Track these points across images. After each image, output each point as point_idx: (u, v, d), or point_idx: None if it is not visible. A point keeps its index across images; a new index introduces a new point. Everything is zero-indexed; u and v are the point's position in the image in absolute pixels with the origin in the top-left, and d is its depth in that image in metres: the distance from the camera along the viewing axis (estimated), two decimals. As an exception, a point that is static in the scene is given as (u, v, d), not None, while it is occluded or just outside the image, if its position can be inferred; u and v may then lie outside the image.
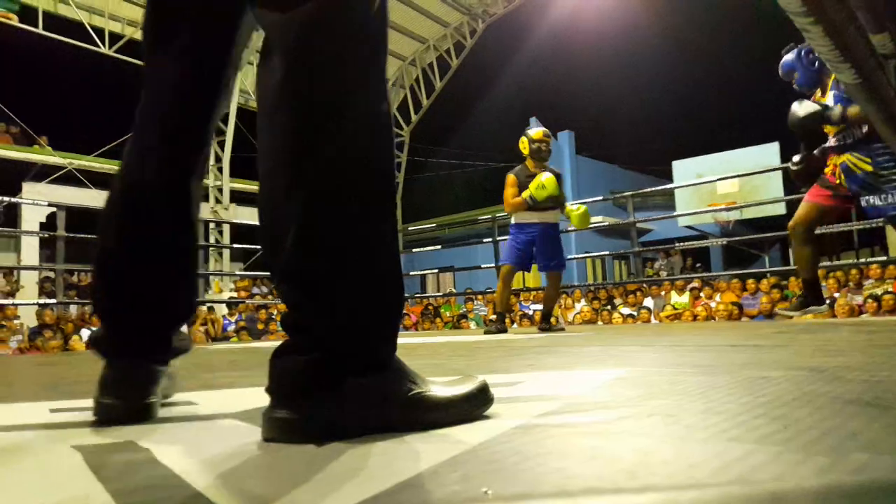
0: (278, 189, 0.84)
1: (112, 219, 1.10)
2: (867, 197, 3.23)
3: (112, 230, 1.09)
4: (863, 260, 9.33)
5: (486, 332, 4.66)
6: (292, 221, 0.82)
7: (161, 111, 1.07)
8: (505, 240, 7.18)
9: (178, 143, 1.08)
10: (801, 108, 3.30)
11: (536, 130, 4.75)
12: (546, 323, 4.72)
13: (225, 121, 11.19)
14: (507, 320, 5.31)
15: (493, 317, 4.94)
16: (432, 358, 2.31)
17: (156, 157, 1.07)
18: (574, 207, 4.63)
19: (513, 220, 4.71)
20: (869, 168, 3.16)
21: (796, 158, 3.46)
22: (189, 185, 1.10)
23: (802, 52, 3.31)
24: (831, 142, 3.33)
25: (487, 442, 0.74)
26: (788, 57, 3.39)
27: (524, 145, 4.70)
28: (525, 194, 4.45)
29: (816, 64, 3.25)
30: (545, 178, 4.36)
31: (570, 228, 5.38)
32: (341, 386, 0.82)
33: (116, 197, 1.10)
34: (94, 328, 6.94)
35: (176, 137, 1.08)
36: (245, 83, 11.56)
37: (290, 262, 0.84)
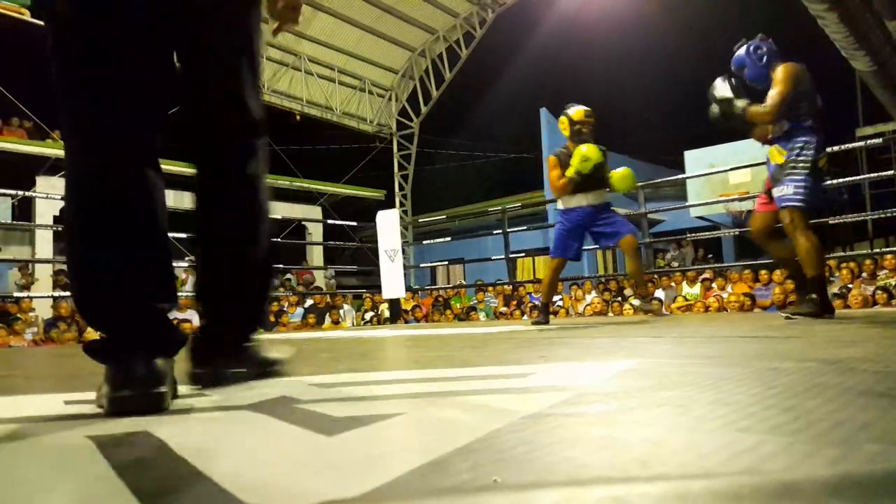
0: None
1: (80, 217, 1.15)
2: (773, 189, 3.21)
3: (84, 227, 1.14)
4: (877, 250, 9.24)
5: (533, 324, 4.44)
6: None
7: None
8: (514, 231, 7.18)
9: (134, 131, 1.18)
10: (718, 88, 3.28)
11: (577, 109, 4.34)
12: (645, 301, 4.41)
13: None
14: (550, 311, 5.08)
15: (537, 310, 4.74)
16: (441, 350, 2.32)
17: (113, 146, 1.15)
18: (618, 171, 4.35)
19: (559, 206, 4.42)
20: (781, 160, 3.16)
21: (740, 103, 3.27)
22: (146, 170, 1.20)
23: (752, 48, 3.27)
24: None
25: (498, 431, 0.74)
26: (739, 52, 3.33)
27: (564, 126, 4.38)
28: (569, 172, 4.15)
29: (764, 59, 3.22)
30: (585, 148, 4.08)
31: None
32: (237, 353, 1.41)
33: (78, 197, 1.16)
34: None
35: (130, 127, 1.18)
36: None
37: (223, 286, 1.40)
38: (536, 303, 8.48)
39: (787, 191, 3.13)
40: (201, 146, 1.35)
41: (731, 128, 3.44)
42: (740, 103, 3.20)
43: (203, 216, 1.36)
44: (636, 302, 4.41)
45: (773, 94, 3.11)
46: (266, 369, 1.48)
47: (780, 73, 3.14)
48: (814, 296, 3.14)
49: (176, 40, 1.25)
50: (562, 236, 4.34)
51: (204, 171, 1.36)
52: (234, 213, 1.36)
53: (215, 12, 1.27)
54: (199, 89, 1.30)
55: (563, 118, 4.37)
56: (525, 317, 7.93)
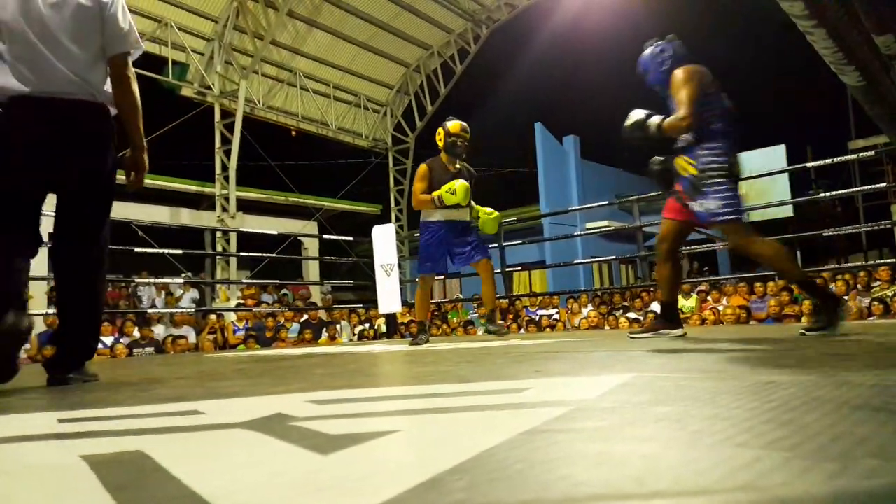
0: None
1: None
2: (692, 202, 2.93)
3: None
4: (871, 262, 9.28)
5: (410, 344, 4.25)
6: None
7: None
8: (510, 245, 7.18)
9: None
10: (630, 117, 3.04)
11: (454, 123, 4.29)
12: (493, 324, 4.29)
13: (231, 129, 11.24)
14: (432, 329, 4.87)
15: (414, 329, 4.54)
16: (438, 365, 2.31)
17: None
18: (489, 212, 4.28)
19: (421, 218, 4.30)
20: (694, 171, 2.90)
21: (657, 159, 3.12)
22: None
23: (656, 49, 3.07)
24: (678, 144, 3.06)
25: (493, 449, 0.74)
26: (644, 53, 3.13)
27: (440, 137, 4.29)
28: (435, 194, 4.08)
29: (667, 63, 3.00)
30: (458, 184, 4.03)
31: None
32: (77, 366, 2.26)
33: None
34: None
35: None
36: (250, 92, 11.61)
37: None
38: (532, 317, 8.49)
39: (712, 205, 2.85)
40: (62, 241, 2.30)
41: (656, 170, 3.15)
42: (654, 120, 2.94)
43: (59, 276, 2.32)
44: (491, 327, 4.24)
45: (681, 98, 2.84)
46: (87, 379, 2.24)
47: (678, 76, 2.89)
48: (820, 305, 2.82)
49: (50, 184, 2.22)
50: (424, 250, 4.25)
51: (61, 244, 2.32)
52: (78, 280, 2.29)
53: (71, 167, 2.20)
54: (62, 213, 2.27)
55: (440, 129, 4.33)
56: (522, 330, 7.91)
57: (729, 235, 2.93)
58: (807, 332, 2.78)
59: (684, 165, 2.94)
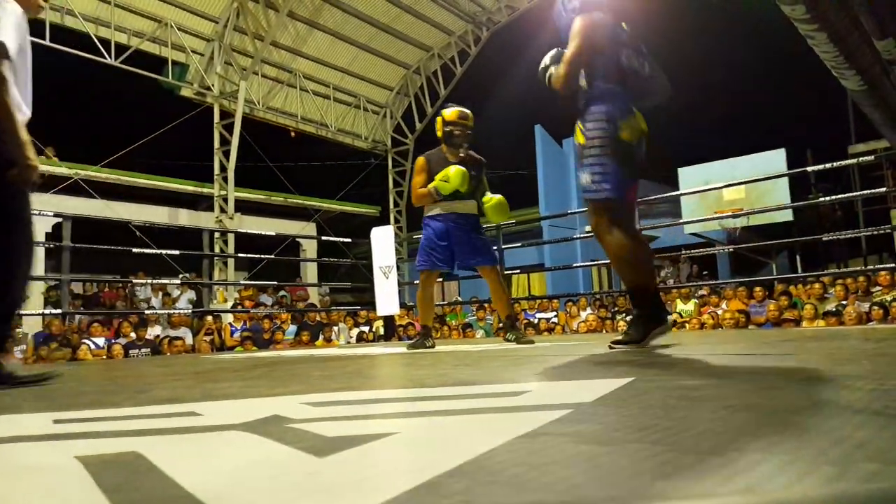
0: None
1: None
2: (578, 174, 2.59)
3: None
4: (871, 267, 9.29)
5: (409, 348, 3.98)
6: None
7: None
8: (509, 248, 7.18)
9: None
10: (545, 59, 2.72)
11: (452, 110, 4.01)
12: (514, 331, 3.87)
13: (230, 130, 11.24)
14: (436, 333, 4.39)
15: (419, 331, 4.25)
16: (436, 368, 2.30)
17: None
18: (489, 197, 3.90)
19: (425, 213, 4.03)
20: (582, 140, 2.56)
21: (551, 69, 2.70)
22: None
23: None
24: None
25: (491, 452, 0.73)
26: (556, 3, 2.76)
27: (438, 126, 4.01)
28: (430, 186, 3.82)
29: (573, 13, 2.63)
30: (452, 170, 3.72)
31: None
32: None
33: None
34: (94, 339, 6.95)
35: None
36: (250, 93, 11.62)
37: None
38: (531, 319, 8.48)
39: (583, 179, 2.54)
40: None
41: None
42: (551, 69, 2.63)
43: None
44: (510, 335, 3.82)
45: (565, 54, 2.56)
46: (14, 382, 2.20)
47: (574, 27, 2.55)
48: (639, 315, 2.54)
49: None
50: (423, 245, 3.97)
51: None
52: None
53: None
54: None
55: (438, 118, 4.05)
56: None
57: (589, 215, 2.60)
58: (613, 346, 2.53)
59: (577, 133, 2.60)
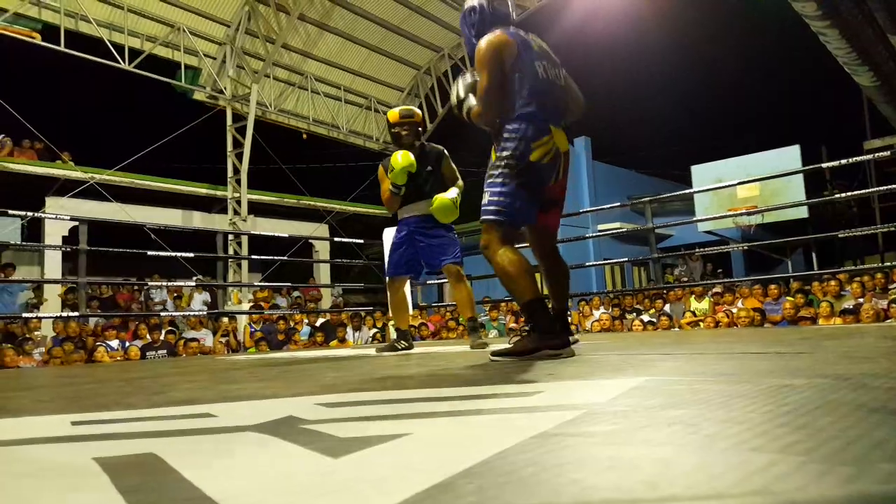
0: None
1: None
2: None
3: None
4: (888, 264, 9.17)
5: (377, 350, 3.91)
6: None
7: None
8: (522, 248, 7.16)
9: None
10: (456, 84, 2.63)
11: (392, 111, 3.95)
12: (474, 334, 3.69)
13: (243, 132, 11.31)
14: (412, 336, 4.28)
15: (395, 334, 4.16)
16: (448, 368, 2.30)
17: None
18: (435, 198, 3.61)
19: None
20: (493, 158, 2.50)
21: (466, 104, 2.59)
22: None
23: (466, 10, 2.61)
24: None
25: (504, 452, 0.73)
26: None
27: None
28: (385, 184, 3.74)
29: (473, 29, 2.56)
30: (399, 155, 3.60)
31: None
32: None
33: None
34: (109, 342, 7.03)
35: None
36: (262, 95, 11.68)
37: None
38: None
39: (484, 198, 2.47)
40: None
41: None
42: (469, 101, 2.53)
43: None
44: (471, 340, 3.65)
45: (479, 86, 2.44)
46: None
47: (479, 52, 2.41)
48: (526, 328, 2.47)
49: None
50: (391, 251, 3.91)
51: None
52: None
53: None
54: None
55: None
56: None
57: (482, 238, 2.53)
58: (494, 358, 2.39)
59: (493, 152, 2.51)
